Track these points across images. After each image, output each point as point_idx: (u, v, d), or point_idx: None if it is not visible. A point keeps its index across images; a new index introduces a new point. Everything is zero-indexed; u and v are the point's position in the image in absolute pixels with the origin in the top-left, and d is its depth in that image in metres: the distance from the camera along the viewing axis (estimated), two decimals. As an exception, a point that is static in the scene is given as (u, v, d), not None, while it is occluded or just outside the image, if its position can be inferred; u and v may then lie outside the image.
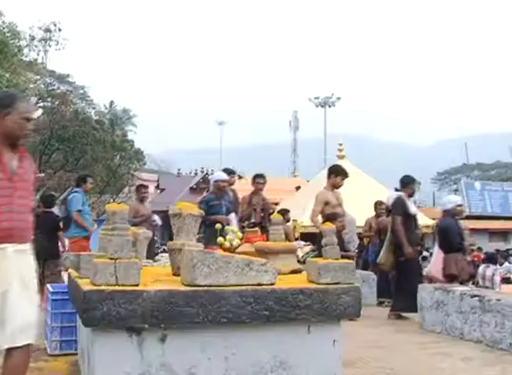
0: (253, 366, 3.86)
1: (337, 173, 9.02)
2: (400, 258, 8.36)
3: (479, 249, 19.75)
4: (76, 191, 10.37)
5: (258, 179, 10.14)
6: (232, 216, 9.26)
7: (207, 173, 46.34)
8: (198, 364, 3.73)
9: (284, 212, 12.06)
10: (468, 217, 25.33)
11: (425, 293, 7.25)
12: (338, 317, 4.05)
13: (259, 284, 3.86)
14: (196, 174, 49.99)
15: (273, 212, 9.70)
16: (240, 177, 35.25)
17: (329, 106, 53.12)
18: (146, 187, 10.91)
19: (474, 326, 6.37)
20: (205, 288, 3.69)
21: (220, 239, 5.21)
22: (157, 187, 55.28)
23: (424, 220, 17.10)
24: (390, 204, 8.78)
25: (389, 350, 5.96)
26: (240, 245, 5.27)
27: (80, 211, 10.02)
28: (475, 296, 6.47)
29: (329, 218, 8.16)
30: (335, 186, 9.00)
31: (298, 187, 25.76)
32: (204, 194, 9.35)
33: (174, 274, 4.46)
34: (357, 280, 4.27)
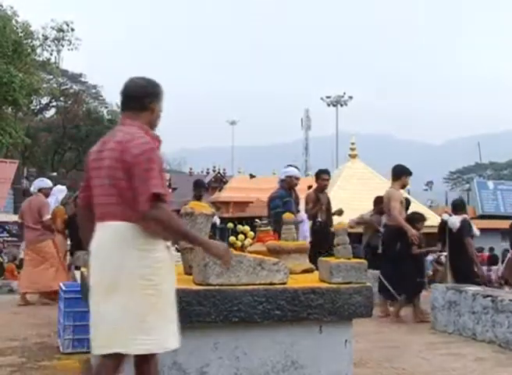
0: (264, 365, 3.86)
1: (408, 173, 8.47)
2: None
3: (491, 249, 19.64)
4: None
5: (323, 175, 9.28)
6: (303, 214, 8.88)
7: (219, 172, 46.43)
8: (210, 363, 3.74)
9: (297, 212, 12.02)
10: (481, 217, 25.25)
11: (437, 293, 7.22)
12: (350, 317, 4.05)
13: (271, 284, 3.87)
14: (208, 173, 50.04)
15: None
16: (252, 176, 35.31)
17: (341, 105, 52.99)
18: (205, 184, 10.44)
19: (487, 327, 6.33)
20: (217, 287, 3.70)
21: (232, 238, 5.21)
22: (169, 186, 55.40)
23: (436, 220, 17.00)
24: (457, 227, 8.57)
25: (401, 350, 5.93)
26: (251, 244, 5.26)
27: None
28: (488, 296, 6.43)
29: (415, 219, 8.13)
30: (404, 186, 8.57)
31: (310, 187, 25.65)
32: (274, 190, 8.65)
33: (186, 273, 4.47)
34: (369, 280, 4.26)
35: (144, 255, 3.02)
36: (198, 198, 8.96)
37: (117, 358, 3.03)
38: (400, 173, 8.35)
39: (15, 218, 27.95)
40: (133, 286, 2.99)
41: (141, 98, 3.22)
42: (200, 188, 9.56)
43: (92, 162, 3.22)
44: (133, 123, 3.18)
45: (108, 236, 3.07)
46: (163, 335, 3.05)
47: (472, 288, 6.96)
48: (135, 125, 3.17)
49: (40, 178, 9.87)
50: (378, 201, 9.91)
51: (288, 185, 8.50)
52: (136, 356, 3.10)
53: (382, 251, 8.56)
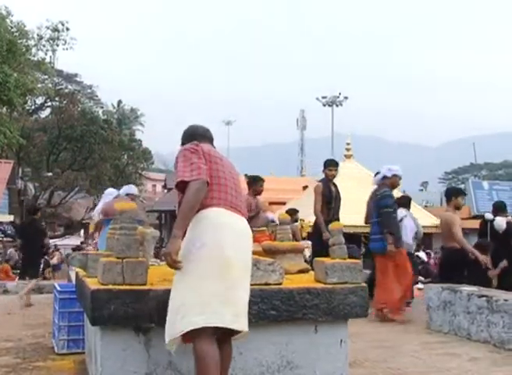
0: (259, 365, 3.86)
1: (461, 194, 8.53)
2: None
3: None
4: None
5: (332, 166, 9.09)
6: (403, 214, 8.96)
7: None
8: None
9: (293, 212, 12.03)
10: (476, 217, 25.27)
11: (432, 293, 7.23)
12: (345, 317, 4.05)
13: (266, 284, 3.87)
14: (203, 174, 49.92)
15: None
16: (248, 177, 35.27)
17: (337, 105, 53.05)
18: (263, 180, 10.18)
19: (482, 327, 6.35)
20: (212, 288, 3.69)
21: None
22: (164, 186, 55.28)
23: (432, 220, 17.05)
24: (503, 229, 8.54)
25: (396, 350, 5.94)
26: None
27: None
28: (483, 296, 6.45)
29: (483, 246, 8.18)
30: (458, 207, 8.43)
31: (305, 187, 25.72)
32: (375, 187, 8.46)
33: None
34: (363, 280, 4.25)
35: None
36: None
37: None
38: (452, 194, 8.41)
39: (10, 218, 27.96)
40: None
41: None
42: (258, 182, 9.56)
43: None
44: None
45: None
46: None
47: (467, 288, 6.98)
48: None
49: (130, 185, 9.70)
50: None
51: (391, 185, 8.27)
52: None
53: (439, 273, 8.68)
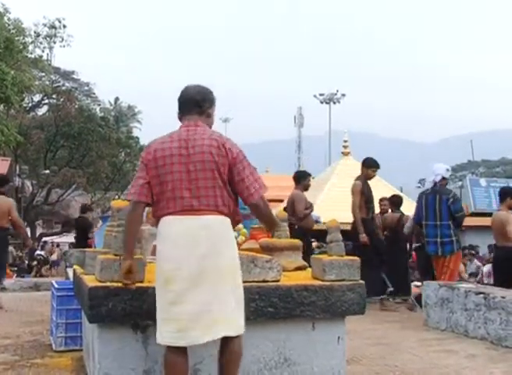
0: (257, 362, 3.87)
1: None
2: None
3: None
4: None
5: (375, 167, 9.06)
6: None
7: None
8: (202, 361, 3.74)
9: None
10: (473, 214, 25.31)
11: (430, 290, 7.24)
12: (343, 314, 4.06)
13: (264, 281, 3.88)
14: (201, 171, 49.86)
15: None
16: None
17: (334, 103, 53.06)
18: (310, 174, 10.08)
19: (479, 324, 6.36)
20: (210, 285, 3.69)
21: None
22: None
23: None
24: None
25: (394, 347, 5.94)
26: (244, 242, 5.27)
27: None
28: (480, 293, 6.46)
29: None
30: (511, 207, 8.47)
31: (303, 184, 25.67)
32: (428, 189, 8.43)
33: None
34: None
35: None
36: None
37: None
38: (508, 194, 8.43)
39: (7, 216, 27.90)
40: None
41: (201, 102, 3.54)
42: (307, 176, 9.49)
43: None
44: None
45: None
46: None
47: (464, 285, 6.99)
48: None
49: None
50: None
51: (442, 186, 8.44)
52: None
53: (493, 271, 8.89)
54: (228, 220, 3.38)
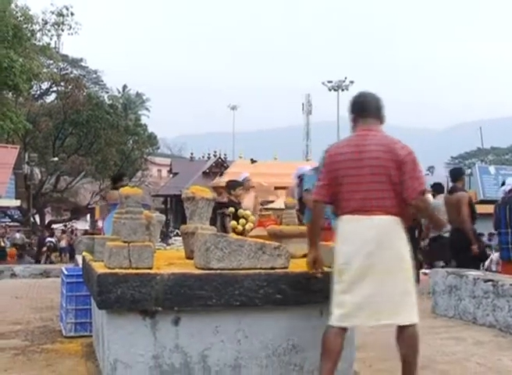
0: (265, 349, 3.88)
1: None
2: None
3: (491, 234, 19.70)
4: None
5: (463, 175, 9.86)
6: None
7: (220, 158, 46.30)
8: (211, 347, 3.76)
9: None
10: (482, 202, 25.23)
11: (438, 277, 7.24)
12: (350, 301, 4.05)
13: (272, 268, 3.88)
14: (209, 158, 49.89)
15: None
16: (253, 161, 35.23)
17: (342, 90, 52.81)
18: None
19: (487, 311, 6.35)
20: (218, 271, 3.71)
21: (233, 223, 5.22)
22: (170, 171, 55.34)
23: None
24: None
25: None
26: (252, 229, 5.27)
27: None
28: (489, 281, 6.45)
29: None
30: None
31: (311, 172, 25.63)
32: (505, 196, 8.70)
33: (187, 258, 4.49)
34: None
35: None
36: None
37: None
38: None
39: (17, 203, 28.06)
40: None
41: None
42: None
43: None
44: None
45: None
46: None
47: (473, 273, 6.98)
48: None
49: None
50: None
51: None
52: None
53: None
54: (397, 220, 3.69)
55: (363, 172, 3.67)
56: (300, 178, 7.85)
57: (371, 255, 3.57)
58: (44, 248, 26.41)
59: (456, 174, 9.47)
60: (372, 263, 3.57)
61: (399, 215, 3.68)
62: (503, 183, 8.99)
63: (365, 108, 3.87)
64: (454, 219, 8.77)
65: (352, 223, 3.68)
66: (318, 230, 3.89)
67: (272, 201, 9.47)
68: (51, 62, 32.58)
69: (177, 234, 14.04)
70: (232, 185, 8.39)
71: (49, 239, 27.83)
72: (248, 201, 8.74)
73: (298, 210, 6.66)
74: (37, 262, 23.15)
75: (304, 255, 4.69)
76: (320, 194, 3.83)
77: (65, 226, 39.17)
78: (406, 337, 3.74)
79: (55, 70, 34.44)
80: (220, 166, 43.44)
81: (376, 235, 3.60)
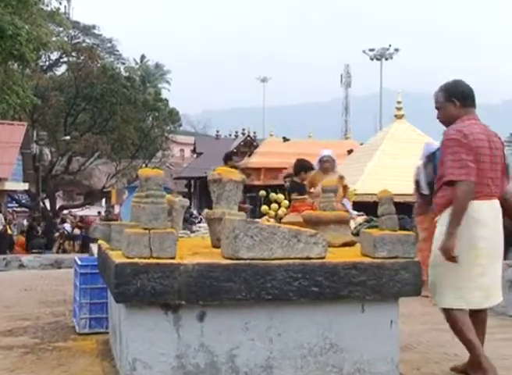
0: (300, 348, 3.88)
1: None
2: None
3: None
4: None
5: None
6: None
7: (248, 136, 46.28)
8: (240, 345, 3.77)
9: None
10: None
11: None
12: (395, 295, 4.04)
13: (308, 258, 3.87)
14: (236, 136, 49.94)
15: None
16: (286, 140, 35.17)
17: (386, 59, 52.34)
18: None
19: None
20: (248, 262, 3.71)
21: (264, 207, 5.22)
22: (193, 150, 55.53)
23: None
24: None
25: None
26: (286, 214, 5.26)
27: None
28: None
29: None
30: None
31: (350, 151, 25.55)
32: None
33: (214, 246, 4.50)
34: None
35: None
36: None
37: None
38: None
39: (25, 186, 28.34)
40: None
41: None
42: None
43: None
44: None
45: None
46: None
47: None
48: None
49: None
50: None
51: None
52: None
53: None
54: None
55: (493, 160, 4.33)
56: (429, 158, 7.70)
57: (500, 237, 4.37)
58: (57, 234, 26.61)
59: None
60: (500, 245, 4.38)
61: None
62: None
63: (472, 98, 4.50)
64: None
65: (490, 209, 4.31)
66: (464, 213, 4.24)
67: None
68: (61, 29, 32.82)
69: (201, 221, 14.09)
70: (303, 166, 8.39)
71: (63, 225, 28.06)
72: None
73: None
74: (48, 249, 23.28)
75: (344, 244, 4.68)
76: (471, 174, 4.18)
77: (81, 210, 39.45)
78: (485, 318, 4.56)
79: (66, 39, 34.71)
80: (249, 145, 43.45)
81: (500, 219, 4.39)
